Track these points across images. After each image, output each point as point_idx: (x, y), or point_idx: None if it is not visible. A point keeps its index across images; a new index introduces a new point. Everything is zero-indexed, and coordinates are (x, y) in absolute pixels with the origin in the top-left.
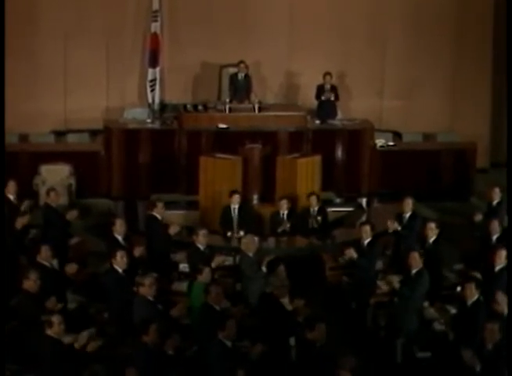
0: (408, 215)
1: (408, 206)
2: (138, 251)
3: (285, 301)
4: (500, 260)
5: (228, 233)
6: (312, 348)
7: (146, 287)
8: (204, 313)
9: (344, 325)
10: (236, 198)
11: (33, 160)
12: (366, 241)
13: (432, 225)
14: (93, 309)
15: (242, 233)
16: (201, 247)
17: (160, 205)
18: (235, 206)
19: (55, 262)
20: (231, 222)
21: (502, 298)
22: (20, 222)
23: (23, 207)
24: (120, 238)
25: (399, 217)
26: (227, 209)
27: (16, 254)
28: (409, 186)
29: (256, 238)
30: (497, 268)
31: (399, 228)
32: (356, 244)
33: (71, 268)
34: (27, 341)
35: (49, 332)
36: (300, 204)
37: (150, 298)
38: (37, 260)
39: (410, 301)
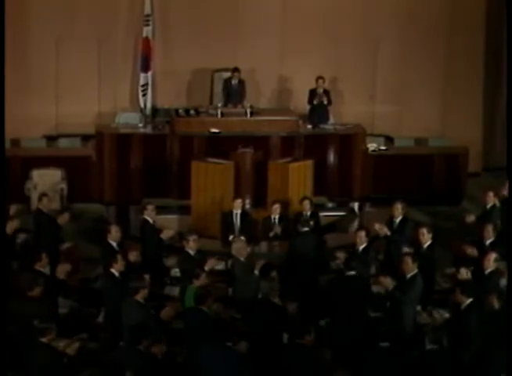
0: (398, 219)
1: (397, 210)
2: (132, 256)
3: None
4: (489, 263)
5: (230, 237)
6: (305, 350)
7: (146, 291)
8: (197, 317)
9: (336, 329)
10: (239, 203)
11: (24, 164)
12: (361, 247)
13: (424, 230)
14: (86, 314)
15: (243, 238)
16: (191, 252)
17: (150, 208)
18: (237, 211)
19: (47, 268)
20: (232, 227)
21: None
22: (10, 226)
23: (11, 212)
24: (114, 244)
25: (390, 221)
26: (228, 214)
27: (8, 259)
28: (401, 190)
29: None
30: (487, 271)
31: (388, 233)
32: (351, 248)
33: (64, 268)
34: (20, 347)
35: (43, 339)
36: (292, 209)
37: (143, 302)
38: (35, 267)
39: (403, 305)
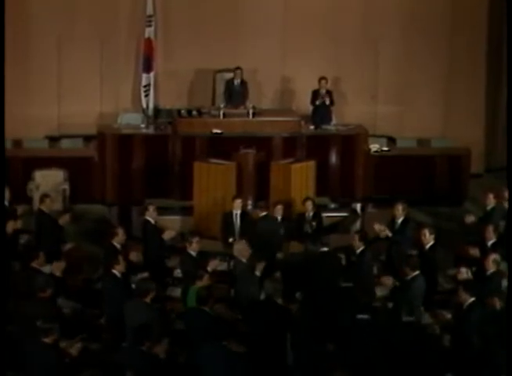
0: (400, 220)
1: (398, 211)
2: (133, 256)
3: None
4: (491, 264)
5: (230, 239)
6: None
7: (154, 293)
8: (198, 317)
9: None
10: (238, 203)
11: (26, 165)
12: (359, 250)
13: (426, 231)
14: (88, 315)
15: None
16: (193, 253)
17: (151, 208)
18: (237, 212)
19: (48, 268)
20: (233, 228)
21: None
22: (11, 226)
23: (19, 212)
24: (118, 246)
25: (392, 222)
26: (228, 215)
27: (9, 259)
28: (403, 191)
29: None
30: (489, 272)
31: (389, 233)
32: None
33: (59, 265)
34: (23, 347)
35: (46, 340)
36: (294, 209)
37: (149, 302)
38: (31, 265)
39: (404, 306)
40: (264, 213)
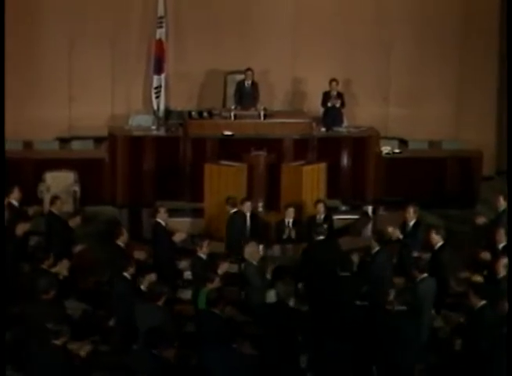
0: (412, 223)
1: (410, 214)
2: (138, 254)
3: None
4: (502, 268)
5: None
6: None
7: (166, 296)
8: (209, 320)
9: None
10: (248, 206)
11: (37, 167)
12: (374, 251)
13: (432, 232)
14: (98, 317)
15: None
16: (204, 256)
17: (162, 210)
18: (246, 214)
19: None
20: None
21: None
22: (21, 228)
23: (31, 213)
24: (123, 246)
25: (403, 225)
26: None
27: (18, 261)
28: (414, 193)
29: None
30: (499, 276)
31: (401, 236)
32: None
33: (64, 265)
34: (31, 349)
35: (57, 342)
36: (305, 212)
37: (162, 306)
38: (41, 266)
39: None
40: (234, 209)
